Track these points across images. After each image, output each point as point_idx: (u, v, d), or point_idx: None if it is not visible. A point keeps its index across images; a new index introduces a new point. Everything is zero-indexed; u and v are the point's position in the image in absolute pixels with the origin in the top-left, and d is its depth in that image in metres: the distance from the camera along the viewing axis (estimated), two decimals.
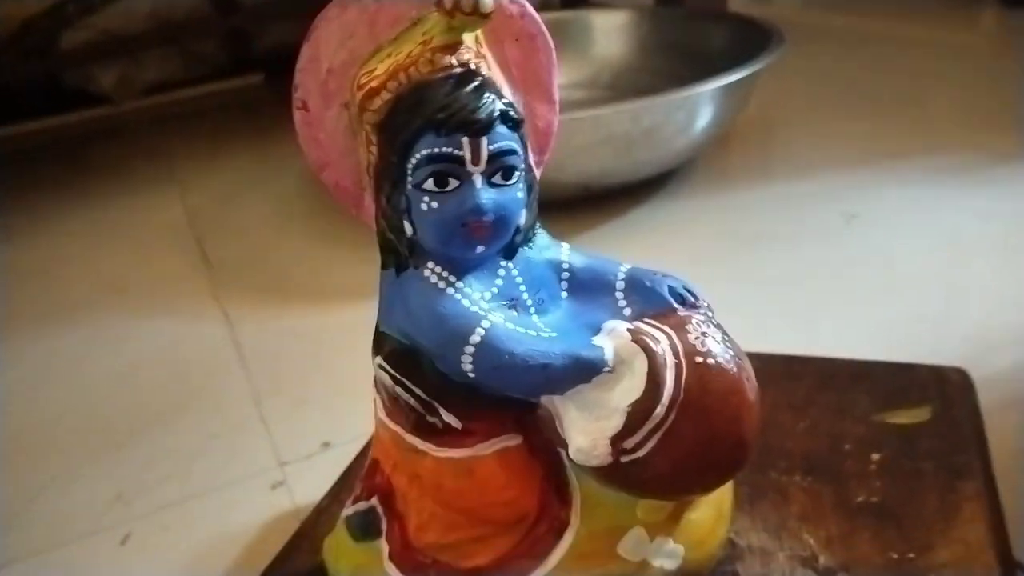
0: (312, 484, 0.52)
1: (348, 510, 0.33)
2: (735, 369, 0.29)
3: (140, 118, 1.42)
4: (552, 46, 0.30)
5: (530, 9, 0.29)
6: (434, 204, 0.27)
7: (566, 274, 0.30)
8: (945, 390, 0.42)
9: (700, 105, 0.78)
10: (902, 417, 0.40)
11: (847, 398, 0.42)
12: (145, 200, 1.05)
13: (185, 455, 0.56)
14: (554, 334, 0.28)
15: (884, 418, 0.40)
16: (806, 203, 0.83)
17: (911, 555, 0.33)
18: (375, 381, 0.32)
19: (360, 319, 0.70)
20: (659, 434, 0.28)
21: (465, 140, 0.26)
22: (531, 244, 0.30)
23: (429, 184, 0.27)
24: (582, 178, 0.76)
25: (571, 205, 0.79)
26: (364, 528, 0.32)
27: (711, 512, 0.32)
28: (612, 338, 0.28)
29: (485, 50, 0.28)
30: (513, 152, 0.27)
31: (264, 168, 1.11)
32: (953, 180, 0.83)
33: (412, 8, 0.28)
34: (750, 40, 0.91)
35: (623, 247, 0.75)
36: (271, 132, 1.26)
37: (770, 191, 0.86)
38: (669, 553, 0.31)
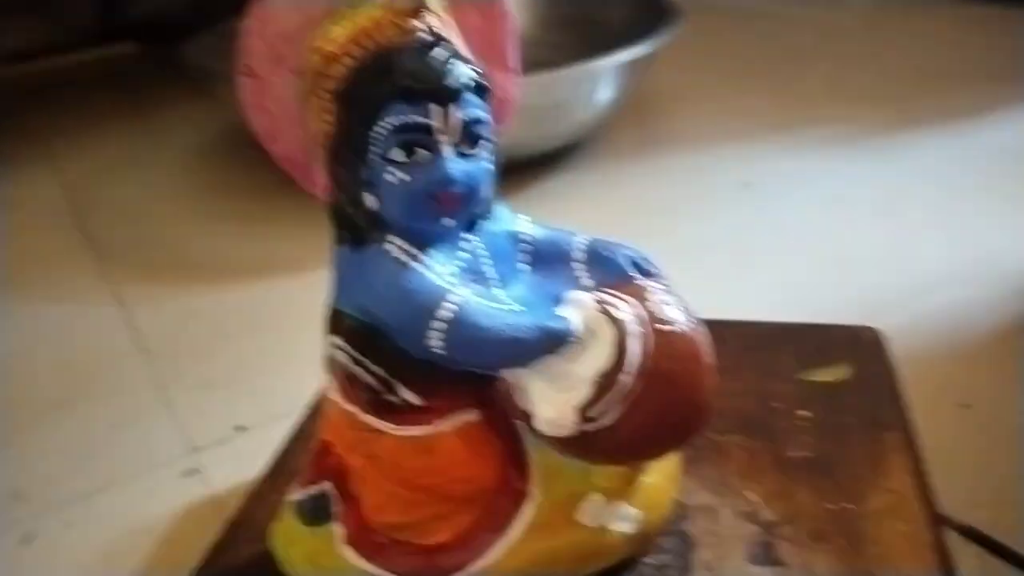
0: (228, 470, 0.51)
1: (298, 495, 0.31)
2: (694, 335, 0.30)
3: (2, 88, 1.31)
4: (513, 14, 0.29)
5: None
6: (402, 175, 0.26)
7: (526, 246, 0.30)
8: (860, 348, 0.44)
9: (606, 78, 0.79)
10: (824, 375, 0.42)
11: (772, 359, 0.43)
12: (15, 177, 0.97)
13: (86, 447, 0.53)
14: (520, 307, 0.28)
15: (808, 376, 0.42)
16: (705, 173, 0.85)
17: (846, 505, 0.35)
18: (326, 361, 0.31)
19: (261, 297, 0.69)
20: (624, 402, 0.28)
21: (435, 108, 0.25)
22: (491, 216, 0.29)
23: (396, 154, 0.26)
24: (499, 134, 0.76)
25: None
26: (316, 512, 0.31)
27: (663, 475, 0.33)
28: (578, 309, 0.28)
29: (446, 16, 0.27)
30: (481, 121, 0.27)
31: (144, 142, 1.05)
32: (835, 149, 0.88)
33: None
34: (648, 15, 0.92)
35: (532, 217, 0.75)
36: (149, 104, 1.20)
37: (670, 162, 0.89)
38: (627, 517, 0.31)
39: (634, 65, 0.81)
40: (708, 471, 0.37)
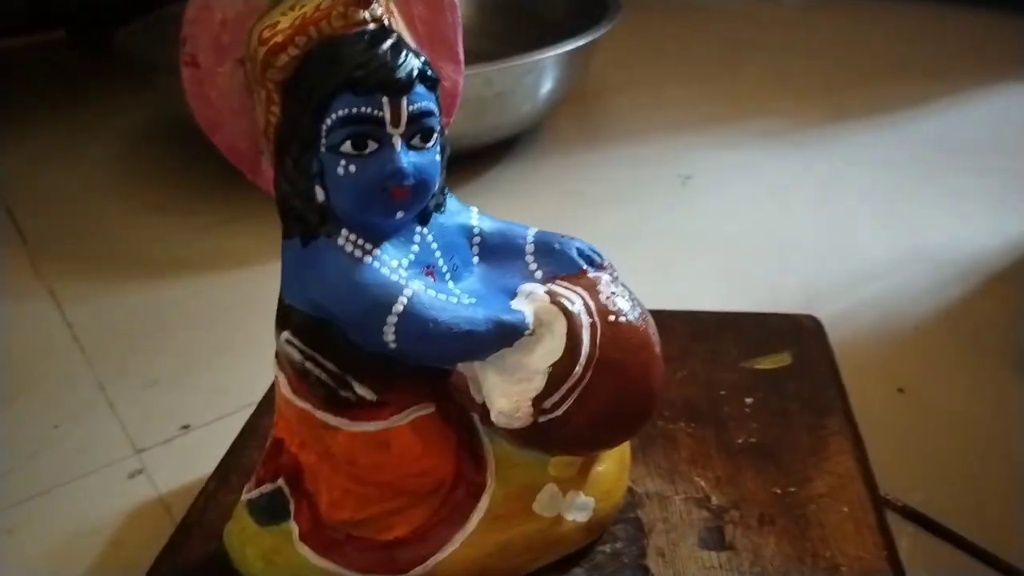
0: (175, 469, 0.50)
1: (251, 494, 0.31)
2: (643, 325, 0.30)
3: None
4: (457, 3, 0.29)
5: None
6: (351, 168, 0.26)
7: (477, 239, 0.30)
8: (801, 336, 0.45)
9: (549, 70, 0.79)
10: (767, 363, 0.43)
11: (717, 347, 0.44)
12: None
13: (26, 448, 0.52)
14: (472, 300, 0.28)
15: (751, 364, 0.43)
16: (646, 165, 0.86)
17: (792, 488, 0.35)
18: (277, 357, 0.30)
19: (200, 291, 0.67)
20: (577, 392, 0.28)
21: (385, 100, 0.25)
22: (442, 209, 0.29)
23: (346, 147, 0.25)
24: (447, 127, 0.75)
25: None
26: (270, 511, 0.31)
27: (615, 464, 0.33)
28: (531, 301, 0.29)
29: (392, 5, 0.27)
30: (431, 113, 0.26)
31: (74, 132, 1.01)
32: (772, 142, 0.90)
33: None
34: (587, 6, 0.93)
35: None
36: (81, 92, 1.16)
37: (610, 154, 0.89)
38: (581, 506, 0.32)
39: (575, 57, 0.81)
40: (658, 458, 0.37)
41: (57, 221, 0.80)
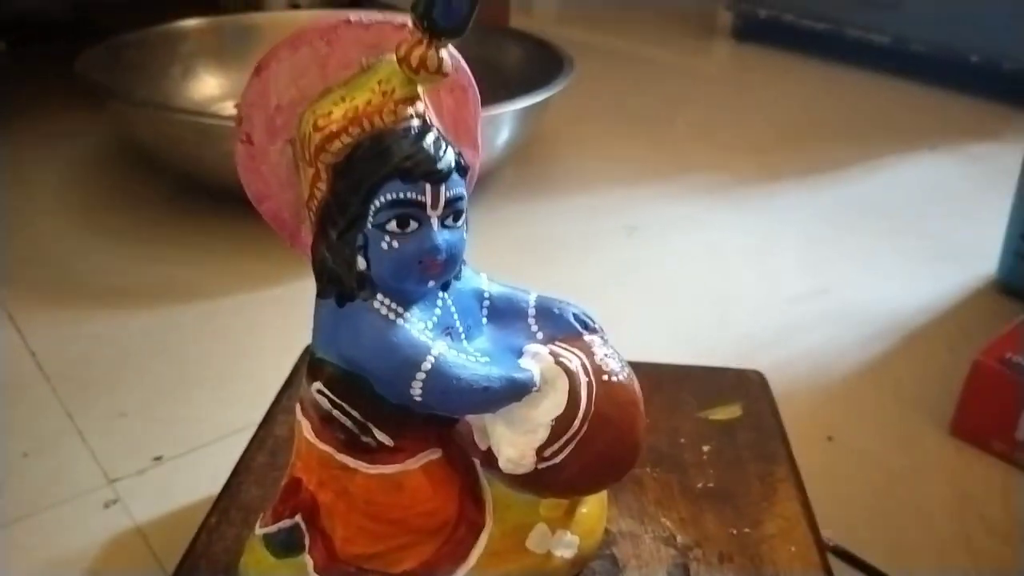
0: (150, 500, 0.51)
1: (268, 528, 0.34)
2: (631, 384, 0.34)
3: None
4: (479, 98, 0.33)
5: (463, 64, 0.32)
6: (394, 243, 0.29)
7: (487, 302, 0.34)
8: (749, 389, 0.50)
9: (504, 123, 0.84)
10: (720, 414, 0.48)
11: (675, 398, 0.49)
12: None
13: None
14: (486, 359, 0.32)
15: (707, 415, 0.48)
16: (593, 216, 0.91)
17: (747, 530, 0.40)
18: (302, 403, 0.33)
19: (166, 322, 0.69)
20: (574, 443, 0.32)
21: (428, 187, 0.29)
22: (459, 277, 0.33)
23: (391, 226, 0.29)
24: None
25: None
26: (288, 545, 0.33)
27: (597, 505, 0.37)
28: (537, 361, 0.32)
29: (426, 98, 0.31)
30: (462, 198, 0.30)
31: (19, 152, 1.00)
32: (709, 198, 0.96)
33: (362, 54, 0.30)
34: (541, 60, 0.98)
35: None
36: (20, 109, 1.14)
37: (560, 204, 0.94)
38: (568, 544, 0.35)
39: (529, 111, 0.86)
40: (629, 500, 0.41)
41: (11, 244, 0.80)
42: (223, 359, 0.64)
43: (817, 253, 0.85)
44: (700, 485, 0.43)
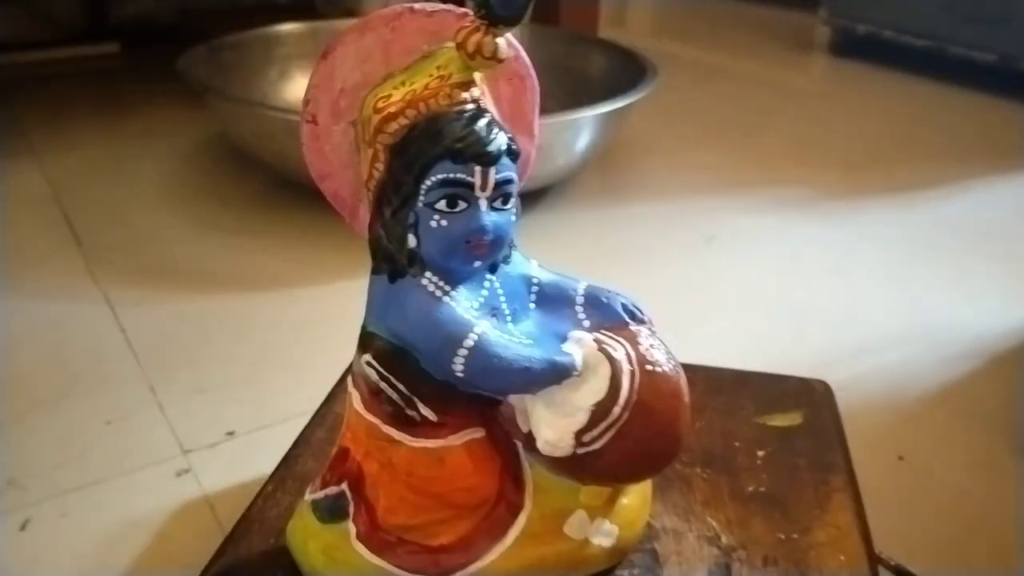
0: (220, 472, 0.53)
1: (316, 495, 0.35)
2: (676, 377, 0.34)
3: None
4: (537, 87, 0.34)
5: (523, 53, 0.33)
6: (443, 222, 0.30)
7: (535, 288, 0.35)
8: (812, 398, 0.49)
9: (585, 127, 0.84)
10: (779, 420, 0.47)
11: (734, 402, 0.48)
12: None
13: (79, 441, 0.56)
14: (530, 341, 0.32)
15: (764, 421, 0.47)
16: (670, 223, 0.91)
17: (795, 535, 0.39)
18: (352, 375, 0.34)
19: (248, 309, 0.72)
20: (614, 430, 0.33)
21: (478, 169, 0.30)
22: (509, 260, 0.34)
23: (441, 204, 0.30)
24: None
25: None
26: (333, 511, 0.35)
27: (638, 498, 0.37)
28: (580, 347, 0.33)
29: (484, 86, 0.32)
30: (512, 181, 0.31)
31: (125, 145, 1.06)
32: (793, 211, 0.94)
33: (424, 41, 0.31)
34: (625, 68, 0.98)
35: None
36: (129, 106, 1.21)
37: (637, 210, 0.94)
38: (607, 532, 0.36)
39: (611, 116, 0.86)
40: (676, 498, 0.41)
41: (110, 229, 0.85)
42: (298, 344, 0.66)
43: (902, 271, 0.82)
44: (751, 489, 0.42)
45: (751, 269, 0.82)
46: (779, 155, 1.13)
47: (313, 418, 0.46)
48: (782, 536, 0.39)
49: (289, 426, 0.57)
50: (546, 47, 1.13)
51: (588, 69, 1.07)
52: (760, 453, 0.44)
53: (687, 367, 0.49)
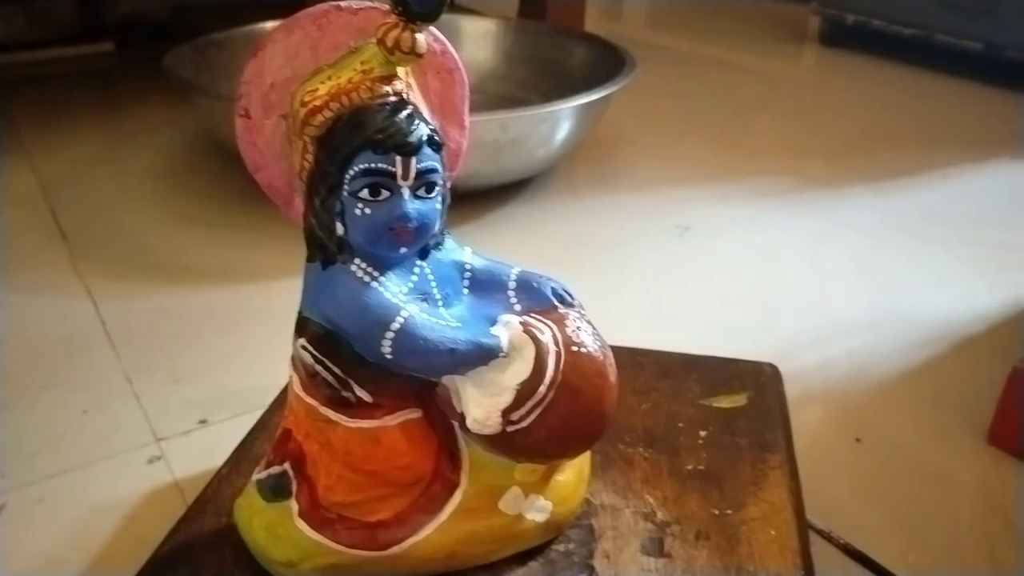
0: (191, 458, 0.55)
1: (261, 474, 0.37)
2: (601, 357, 0.36)
3: None
4: (466, 80, 0.35)
5: (450, 48, 0.34)
6: (367, 210, 0.32)
7: (468, 274, 0.36)
8: (760, 380, 0.50)
9: (563, 119, 0.86)
10: (724, 402, 0.48)
11: (681, 385, 0.50)
12: None
13: (58, 429, 0.57)
14: (458, 324, 0.34)
15: (710, 402, 0.48)
16: (646, 214, 0.92)
17: (728, 511, 0.41)
18: (292, 360, 0.36)
19: (226, 302, 0.74)
20: (540, 408, 0.34)
21: (398, 158, 0.31)
22: (440, 247, 0.35)
23: (364, 193, 0.31)
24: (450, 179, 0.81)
25: None
26: (276, 490, 0.36)
27: (574, 475, 0.39)
28: (507, 329, 0.34)
29: (411, 79, 0.33)
30: (435, 171, 0.32)
31: (116, 143, 1.08)
32: (771, 201, 0.96)
33: (350, 38, 0.33)
34: (605, 61, 0.99)
35: (484, 245, 0.79)
36: (121, 104, 1.23)
37: (615, 201, 0.95)
38: (540, 508, 0.37)
39: (589, 108, 0.88)
40: (616, 477, 0.43)
41: (97, 224, 0.87)
42: (276, 335, 0.68)
43: (874, 258, 0.83)
44: (690, 467, 0.43)
45: (724, 258, 0.83)
46: (762, 146, 1.14)
47: (272, 404, 0.48)
48: (716, 512, 0.40)
49: (259, 414, 0.59)
50: (530, 41, 1.15)
51: (569, 62, 1.08)
52: (703, 433, 0.46)
53: (639, 351, 0.51)
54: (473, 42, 1.14)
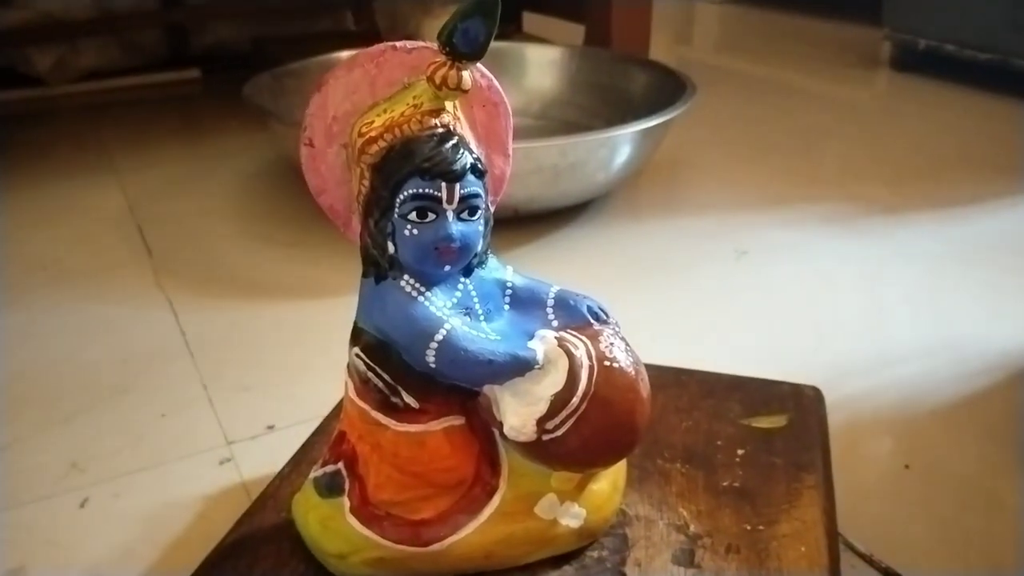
0: (258, 461, 0.59)
1: (316, 472, 0.40)
2: (633, 372, 0.38)
3: (73, 103, 1.43)
4: (510, 112, 0.38)
5: (495, 82, 0.37)
6: (415, 231, 0.35)
7: (509, 291, 0.39)
8: (801, 402, 0.51)
9: (621, 145, 0.88)
10: (764, 422, 0.50)
11: (723, 405, 0.51)
12: (82, 186, 1.08)
13: (135, 431, 0.62)
14: (498, 337, 0.37)
15: (750, 422, 0.50)
16: (704, 238, 0.93)
17: (760, 527, 0.42)
18: (348, 366, 0.39)
19: (296, 316, 0.78)
20: (573, 419, 0.36)
21: (443, 184, 0.34)
22: (483, 265, 0.38)
23: (413, 216, 0.35)
24: (512, 202, 0.84)
25: (500, 226, 0.87)
26: (330, 487, 0.39)
27: (608, 485, 0.41)
28: (543, 343, 0.37)
29: (459, 112, 0.36)
30: (478, 195, 0.35)
31: (198, 165, 1.15)
32: (830, 226, 0.96)
33: (404, 75, 0.36)
34: (667, 87, 1.01)
35: (544, 266, 0.84)
36: (204, 128, 1.31)
37: (673, 225, 0.97)
38: (575, 515, 0.39)
39: (649, 133, 0.90)
40: (652, 490, 0.44)
41: (179, 240, 0.93)
42: (335, 348, 0.72)
43: (933, 285, 0.83)
44: (725, 483, 0.45)
45: (780, 283, 0.84)
46: (825, 172, 1.14)
47: (332, 411, 0.51)
48: (748, 527, 0.42)
49: (321, 421, 0.62)
50: (593, 68, 1.17)
51: (632, 89, 1.11)
52: (740, 451, 0.47)
53: (683, 371, 0.53)
54: (539, 69, 1.17)
